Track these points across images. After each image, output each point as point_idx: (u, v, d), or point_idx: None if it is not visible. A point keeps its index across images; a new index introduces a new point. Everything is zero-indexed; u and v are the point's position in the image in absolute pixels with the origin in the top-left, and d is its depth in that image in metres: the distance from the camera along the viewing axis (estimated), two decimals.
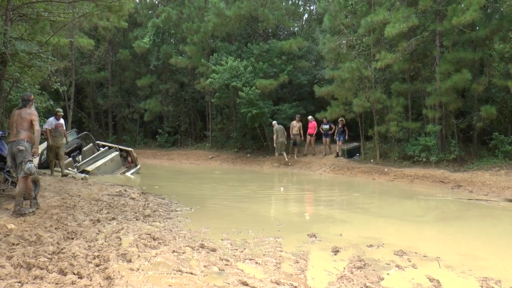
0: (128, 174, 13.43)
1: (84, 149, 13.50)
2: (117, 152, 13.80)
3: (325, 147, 17.60)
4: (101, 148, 13.96)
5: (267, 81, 18.31)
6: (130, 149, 14.56)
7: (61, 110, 11.90)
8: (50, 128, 11.21)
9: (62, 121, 11.63)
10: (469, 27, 12.58)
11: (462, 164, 12.93)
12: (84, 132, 14.73)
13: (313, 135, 17.85)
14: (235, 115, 20.60)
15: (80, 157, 13.32)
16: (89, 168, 12.53)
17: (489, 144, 13.10)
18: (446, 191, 10.92)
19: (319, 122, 17.70)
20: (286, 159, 17.49)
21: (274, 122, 17.79)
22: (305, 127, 17.89)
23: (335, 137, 17.11)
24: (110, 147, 14.13)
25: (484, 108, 12.43)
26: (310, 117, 17.72)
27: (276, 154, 17.63)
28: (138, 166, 14.09)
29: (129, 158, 14.18)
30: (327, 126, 17.29)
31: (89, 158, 13.10)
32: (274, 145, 17.47)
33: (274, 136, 17.33)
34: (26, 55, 8.69)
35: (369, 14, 14.33)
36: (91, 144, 13.88)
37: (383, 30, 13.49)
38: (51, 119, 11.47)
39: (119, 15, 11.09)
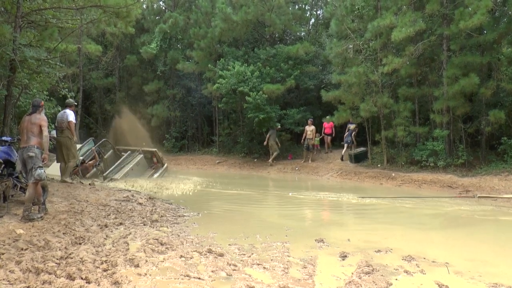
0: (155, 176, 13.21)
1: (106, 156, 13.29)
2: (142, 155, 13.42)
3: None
4: (122, 153, 13.64)
5: (274, 86, 18.34)
6: (154, 149, 14.21)
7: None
8: (75, 122, 10.22)
9: None
10: (477, 31, 12.53)
11: (470, 169, 12.83)
12: (103, 139, 14.40)
13: (331, 134, 18.26)
14: (242, 120, 20.63)
15: (102, 165, 12.96)
16: (116, 176, 12.22)
17: (497, 149, 12.99)
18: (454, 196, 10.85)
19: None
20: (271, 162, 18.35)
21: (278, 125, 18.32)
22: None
23: (344, 139, 17.24)
24: (132, 151, 13.77)
25: (493, 113, 12.34)
26: (328, 117, 17.76)
27: (276, 154, 18.20)
28: (165, 165, 13.76)
29: (154, 159, 13.85)
30: (352, 125, 17.32)
31: (114, 166, 12.76)
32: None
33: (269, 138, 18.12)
34: (34, 62, 8.78)
35: (376, 19, 14.30)
36: (111, 151, 13.63)
37: (390, 35, 13.45)
38: (72, 111, 10.26)
39: (127, 21, 11.15)
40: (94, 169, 12.59)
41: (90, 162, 12.64)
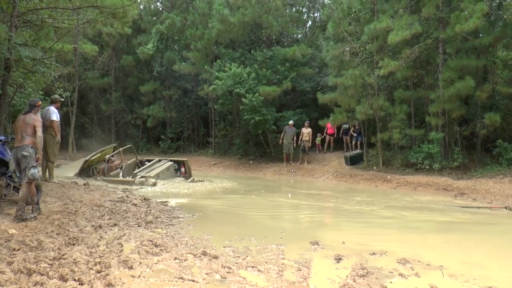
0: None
1: (129, 162, 13.17)
2: (171, 162, 13.35)
3: (346, 145, 18.10)
4: (146, 162, 13.47)
5: (270, 88, 18.34)
6: (184, 159, 14.07)
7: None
8: (58, 121, 9.78)
9: None
10: (473, 34, 12.59)
11: (465, 171, 12.88)
12: (129, 145, 14.24)
13: (334, 134, 18.45)
14: (238, 121, 20.61)
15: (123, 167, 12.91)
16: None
17: (493, 152, 13.04)
18: (449, 199, 10.87)
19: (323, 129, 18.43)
20: (286, 164, 18.18)
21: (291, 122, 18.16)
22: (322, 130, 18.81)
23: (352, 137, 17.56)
24: (159, 159, 13.67)
25: (488, 116, 12.40)
26: (330, 118, 17.78)
27: (291, 155, 18.27)
28: (192, 177, 13.49)
29: (183, 169, 13.71)
30: (346, 126, 17.61)
31: (145, 167, 12.71)
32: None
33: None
34: (30, 61, 8.73)
35: (372, 22, 14.36)
36: (134, 159, 13.55)
37: (386, 38, 13.51)
38: (55, 108, 9.89)
39: (123, 21, 11.12)
40: (118, 170, 12.69)
41: (115, 162, 12.77)
